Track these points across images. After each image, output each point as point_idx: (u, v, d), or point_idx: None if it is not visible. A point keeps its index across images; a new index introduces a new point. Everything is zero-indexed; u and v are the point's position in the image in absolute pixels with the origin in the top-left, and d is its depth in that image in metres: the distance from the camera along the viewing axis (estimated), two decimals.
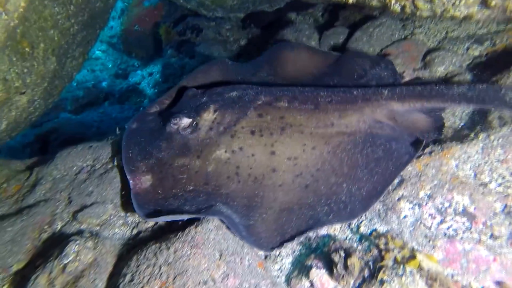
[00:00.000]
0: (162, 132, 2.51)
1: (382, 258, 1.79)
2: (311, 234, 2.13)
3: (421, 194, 2.18)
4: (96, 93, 7.73)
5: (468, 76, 3.19)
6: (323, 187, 2.18)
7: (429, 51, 3.48)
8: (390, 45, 3.71)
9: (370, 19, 4.12)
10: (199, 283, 1.71)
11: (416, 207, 2.14)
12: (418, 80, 3.33)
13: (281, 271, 2.06)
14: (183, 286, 1.69)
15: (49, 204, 2.49)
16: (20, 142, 5.43)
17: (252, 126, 2.37)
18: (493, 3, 2.40)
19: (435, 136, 2.55)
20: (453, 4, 2.57)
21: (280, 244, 2.02)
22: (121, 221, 2.39)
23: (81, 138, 4.36)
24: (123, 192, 2.51)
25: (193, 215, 2.02)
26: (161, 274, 1.73)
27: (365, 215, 2.20)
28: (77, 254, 1.90)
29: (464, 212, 2.05)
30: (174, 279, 1.71)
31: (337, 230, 2.19)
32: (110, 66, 9.40)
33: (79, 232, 2.22)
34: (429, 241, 1.99)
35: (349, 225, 2.22)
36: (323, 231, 2.17)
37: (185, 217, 2.04)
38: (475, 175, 2.20)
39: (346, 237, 2.15)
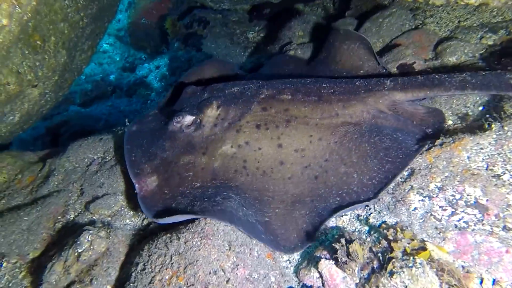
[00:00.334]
0: (164, 132, 2.49)
1: (391, 250, 1.78)
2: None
3: (432, 186, 2.15)
4: (104, 86, 7.80)
5: (481, 66, 3.11)
6: (333, 178, 2.17)
7: (440, 41, 3.39)
8: (400, 35, 3.63)
9: (381, 8, 4.03)
10: (209, 273, 1.74)
11: (427, 199, 2.11)
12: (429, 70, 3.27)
13: (289, 262, 2.08)
14: (193, 276, 1.72)
15: (62, 195, 2.54)
16: (31, 134, 5.54)
17: (257, 120, 2.36)
18: None
19: (439, 128, 2.53)
20: None
21: (300, 246, 2.00)
22: (132, 212, 2.44)
23: (91, 130, 4.42)
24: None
25: (205, 216, 1.96)
26: (172, 263, 1.77)
27: (374, 207, 2.19)
28: (90, 244, 1.95)
29: (476, 204, 2.02)
30: (185, 268, 1.74)
31: (345, 222, 2.18)
32: (118, 59, 9.45)
33: (92, 223, 2.28)
34: (440, 233, 1.98)
35: (357, 217, 2.21)
36: (331, 223, 2.16)
37: (198, 216, 1.99)
38: (488, 166, 2.16)
39: (355, 229, 2.15)
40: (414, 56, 3.30)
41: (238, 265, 1.84)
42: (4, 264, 2.14)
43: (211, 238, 1.85)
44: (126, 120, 3.19)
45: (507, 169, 2.10)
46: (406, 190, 2.16)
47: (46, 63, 3.36)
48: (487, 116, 2.67)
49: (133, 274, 1.82)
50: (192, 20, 7.04)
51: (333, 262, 1.82)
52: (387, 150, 2.23)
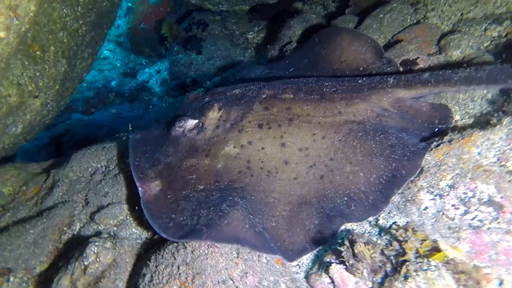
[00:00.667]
0: (167, 138, 2.47)
1: (404, 252, 1.73)
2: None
3: (442, 184, 2.09)
4: (106, 93, 7.81)
5: (487, 59, 3.04)
6: (339, 177, 2.13)
7: (443, 35, 3.32)
8: (401, 31, 3.57)
9: (381, 4, 3.97)
10: (218, 283, 1.70)
11: (438, 198, 2.06)
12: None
13: (299, 267, 2.03)
14: (202, 286, 1.69)
15: (67, 206, 2.52)
16: (35, 144, 5.56)
17: (259, 119, 2.34)
18: None
19: (445, 125, 2.49)
20: None
21: (308, 248, 1.97)
22: (137, 221, 2.41)
23: (94, 138, 4.41)
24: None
25: (211, 241, 1.85)
26: (179, 274, 1.73)
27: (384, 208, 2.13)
28: (97, 256, 1.92)
29: (490, 202, 1.96)
30: (193, 278, 1.71)
31: (354, 224, 2.13)
32: (119, 65, 9.47)
33: (98, 233, 2.25)
34: (453, 232, 1.92)
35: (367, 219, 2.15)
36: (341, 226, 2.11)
37: (203, 241, 1.86)
38: (500, 162, 2.10)
39: (365, 231, 2.09)
40: (417, 51, 3.24)
41: (247, 273, 1.80)
42: (11, 278, 2.12)
43: (218, 246, 1.82)
44: (129, 126, 3.16)
45: None
46: (416, 189, 2.11)
47: (47, 73, 3.35)
48: (496, 110, 2.62)
49: (141, 285, 1.79)
50: (191, 23, 7.02)
51: (344, 266, 1.78)
52: (393, 147, 2.19)
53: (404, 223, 2.03)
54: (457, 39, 3.16)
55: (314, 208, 2.06)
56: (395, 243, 1.78)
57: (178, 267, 1.78)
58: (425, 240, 1.72)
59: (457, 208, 2.00)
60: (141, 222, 2.43)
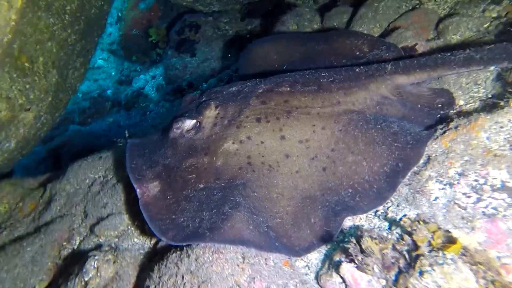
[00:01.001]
0: (166, 140, 2.42)
1: (416, 246, 1.64)
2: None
3: (451, 172, 2.01)
4: (102, 102, 7.75)
5: (488, 40, 2.95)
6: (342, 168, 2.09)
7: (441, 19, 3.25)
8: (397, 18, 3.50)
9: None
10: None
11: (447, 187, 1.97)
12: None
13: (308, 268, 1.96)
14: None
15: (66, 220, 2.45)
16: (33, 159, 5.49)
17: (257, 113, 2.30)
18: None
19: (448, 110, 2.43)
20: None
21: (316, 244, 1.90)
22: (139, 230, 2.33)
23: (91, 149, 4.34)
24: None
25: (216, 243, 1.80)
26: (184, 283, 1.66)
27: (391, 200, 2.06)
28: (97, 270, 1.85)
29: (504, 188, 1.87)
30: (198, 287, 1.63)
31: (363, 219, 2.06)
32: (113, 73, 9.41)
33: (98, 246, 2.18)
34: (467, 222, 1.83)
35: (375, 213, 2.08)
36: (348, 222, 2.04)
37: (208, 243, 1.81)
38: (511, 146, 2.01)
39: (374, 226, 2.01)
40: (415, 38, 3.18)
41: (254, 278, 1.72)
42: None
43: (223, 251, 1.74)
44: (126, 132, 3.09)
45: None
46: (424, 179, 2.03)
47: (37, 85, 3.28)
48: (503, 92, 2.53)
49: None
50: (183, 26, 6.95)
51: (355, 265, 1.69)
52: (396, 135, 2.13)
53: (415, 216, 1.95)
54: (455, 23, 3.09)
55: (319, 202, 2.01)
56: (406, 237, 1.70)
57: (183, 277, 1.70)
58: (438, 232, 1.63)
59: (469, 197, 1.91)
60: (143, 231, 2.36)
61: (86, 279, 1.84)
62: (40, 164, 5.41)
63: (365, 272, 1.66)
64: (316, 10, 4.52)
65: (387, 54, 2.94)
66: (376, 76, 2.43)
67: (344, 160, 2.10)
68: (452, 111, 2.47)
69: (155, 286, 1.73)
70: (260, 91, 2.42)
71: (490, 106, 2.32)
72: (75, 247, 2.30)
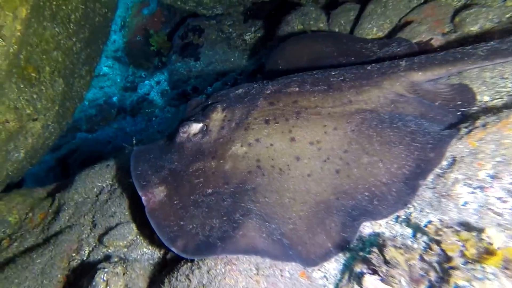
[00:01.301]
0: (172, 145, 2.36)
1: (448, 257, 1.52)
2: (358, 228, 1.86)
3: (482, 174, 1.85)
4: (108, 109, 7.79)
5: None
6: (356, 170, 1.98)
7: (457, 11, 3.07)
8: (409, 12, 3.35)
9: None
10: None
11: (478, 190, 1.82)
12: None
13: (326, 279, 1.86)
14: None
15: (75, 230, 2.42)
16: (42, 168, 5.52)
17: (265, 115, 2.23)
18: None
19: (468, 107, 2.30)
20: None
21: (333, 251, 1.80)
22: (148, 240, 2.29)
23: (99, 156, 4.33)
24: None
25: (229, 254, 1.72)
26: None
27: (413, 205, 1.94)
28: (107, 283, 1.80)
29: None
30: None
31: (383, 226, 1.95)
32: (118, 80, 9.46)
33: (107, 257, 2.13)
34: (504, 230, 1.66)
35: (396, 219, 1.97)
36: (367, 229, 1.94)
37: (220, 254, 1.72)
38: None
39: (396, 234, 1.90)
40: (429, 32, 3.01)
41: None
42: None
43: (236, 262, 1.68)
44: (133, 139, 3.05)
45: None
46: (450, 182, 1.89)
47: (44, 95, 3.28)
48: None
49: None
50: (186, 30, 6.95)
51: (379, 277, 1.59)
52: (414, 134, 2.02)
53: (442, 222, 1.79)
54: (473, 14, 2.90)
55: (334, 206, 1.92)
56: (435, 246, 1.58)
57: None
58: (471, 241, 1.51)
59: (505, 201, 1.74)
60: (152, 240, 2.31)
61: None
62: (49, 172, 5.44)
63: (391, 286, 1.54)
64: (322, 9, 4.44)
65: (398, 49, 2.83)
66: (390, 73, 2.33)
67: (358, 162, 2.00)
68: (474, 108, 2.32)
69: None
70: (268, 92, 2.36)
71: None
72: (84, 258, 2.26)
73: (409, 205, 1.92)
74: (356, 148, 2.04)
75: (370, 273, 1.60)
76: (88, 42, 4.06)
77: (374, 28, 3.50)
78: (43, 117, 3.40)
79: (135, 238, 2.31)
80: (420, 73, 2.30)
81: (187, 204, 1.99)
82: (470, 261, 1.48)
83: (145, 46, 8.46)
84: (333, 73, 2.43)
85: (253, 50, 6.21)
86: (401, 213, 1.95)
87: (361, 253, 1.82)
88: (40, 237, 2.55)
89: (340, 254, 1.87)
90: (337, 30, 3.96)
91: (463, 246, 1.51)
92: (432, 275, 1.54)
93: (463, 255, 1.50)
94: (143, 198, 2.06)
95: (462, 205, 1.83)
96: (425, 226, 1.82)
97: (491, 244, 1.53)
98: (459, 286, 1.43)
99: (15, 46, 2.65)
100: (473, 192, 1.83)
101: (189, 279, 1.66)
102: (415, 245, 1.72)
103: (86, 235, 2.40)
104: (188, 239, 1.82)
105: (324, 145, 2.09)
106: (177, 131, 2.33)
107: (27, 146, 3.36)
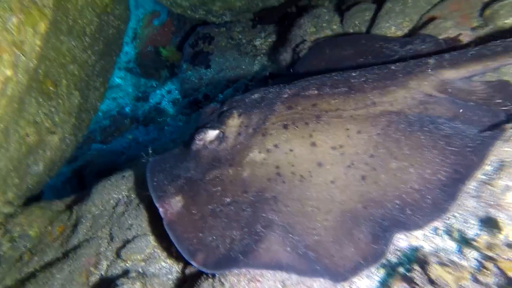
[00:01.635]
0: (188, 153, 2.31)
1: (510, 279, 1.31)
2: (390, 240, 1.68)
3: None
4: (121, 119, 7.90)
5: None
6: (384, 176, 1.85)
7: (487, 4, 2.87)
8: (431, 8, 3.14)
9: None
10: None
11: None
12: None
13: None
14: None
15: (92, 244, 2.41)
16: (59, 180, 5.61)
17: (284, 120, 2.14)
18: None
19: (510, 105, 2.10)
20: None
21: (364, 264, 1.65)
22: (165, 253, 2.25)
23: (113, 167, 4.36)
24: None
25: (253, 268, 1.65)
26: None
27: (455, 215, 1.76)
28: None
29: None
30: None
31: (419, 238, 1.77)
32: (130, 90, 9.61)
33: (125, 272, 2.10)
34: None
35: (435, 231, 1.78)
36: (402, 242, 1.78)
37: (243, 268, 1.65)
38: None
39: (437, 248, 1.68)
40: (457, 28, 2.80)
41: None
42: None
43: (260, 279, 1.61)
44: (149, 149, 3.04)
45: None
46: (499, 190, 1.70)
47: (61, 108, 3.33)
48: None
49: None
50: (196, 38, 7.01)
51: None
52: (448, 138, 1.87)
53: (492, 236, 1.57)
54: (508, 5, 2.69)
55: (361, 216, 1.78)
56: (490, 265, 1.38)
57: None
58: None
59: None
60: (170, 253, 2.27)
61: None
62: (66, 184, 5.52)
63: None
64: (335, 10, 4.35)
65: (423, 47, 2.67)
66: (416, 72, 2.18)
67: (386, 167, 1.86)
68: None
69: None
70: (285, 96, 2.28)
71: None
72: (103, 273, 2.24)
73: (449, 215, 1.77)
74: (383, 153, 1.92)
75: None
76: (102, 54, 4.13)
77: (392, 27, 3.32)
78: (61, 130, 3.45)
79: (152, 251, 2.28)
80: (452, 70, 2.14)
81: (206, 214, 1.93)
82: None
83: (156, 56, 8.59)
84: (353, 74, 2.31)
85: (264, 56, 6.20)
86: (440, 224, 1.78)
87: (398, 269, 1.67)
88: (60, 250, 2.56)
89: (373, 270, 1.73)
90: (351, 31, 3.85)
91: None
92: None
93: None
94: (160, 210, 2.01)
95: None
96: (473, 239, 1.63)
97: None
98: None
99: (35, 61, 2.70)
100: None
101: None
102: (464, 263, 1.52)
103: (104, 249, 2.38)
104: (208, 252, 1.75)
105: (348, 150, 1.97)
106: (193, 139, 2.28)
107: (46, 159, 3.41)
